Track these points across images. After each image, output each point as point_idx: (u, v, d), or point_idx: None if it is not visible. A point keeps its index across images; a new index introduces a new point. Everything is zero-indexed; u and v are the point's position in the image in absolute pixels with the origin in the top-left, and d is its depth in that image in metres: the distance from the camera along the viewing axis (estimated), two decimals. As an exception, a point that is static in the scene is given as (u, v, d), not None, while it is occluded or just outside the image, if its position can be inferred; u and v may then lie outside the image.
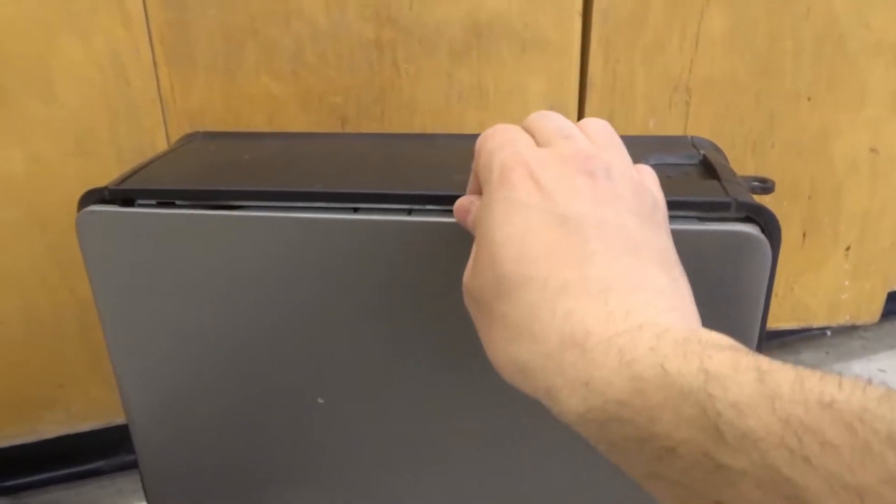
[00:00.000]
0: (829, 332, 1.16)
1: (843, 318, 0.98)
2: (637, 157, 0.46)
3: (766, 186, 0.42)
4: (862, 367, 1.12)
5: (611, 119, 0.81)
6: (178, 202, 0.43)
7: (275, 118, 0.73)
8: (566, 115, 0.86)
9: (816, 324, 0.98)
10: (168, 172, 0.46)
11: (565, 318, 0.21)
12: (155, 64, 0.69)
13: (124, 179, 0.45)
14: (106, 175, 0.48)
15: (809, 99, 0.84)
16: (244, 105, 0.72)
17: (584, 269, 0.21)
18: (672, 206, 0.39)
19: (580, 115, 0.80)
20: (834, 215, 0.91)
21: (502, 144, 0.28)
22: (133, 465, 0.90)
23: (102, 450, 0.90)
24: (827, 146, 0.87)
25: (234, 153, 0.50)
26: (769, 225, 0.38)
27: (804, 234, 0.92)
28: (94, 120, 0.68)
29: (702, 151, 0.46)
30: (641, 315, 0.20)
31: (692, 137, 0.49)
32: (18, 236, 0.70)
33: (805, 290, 0.95)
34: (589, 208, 0.23)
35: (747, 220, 0.39)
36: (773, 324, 0.97)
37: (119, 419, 0.81)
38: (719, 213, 0.39)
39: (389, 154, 0.50)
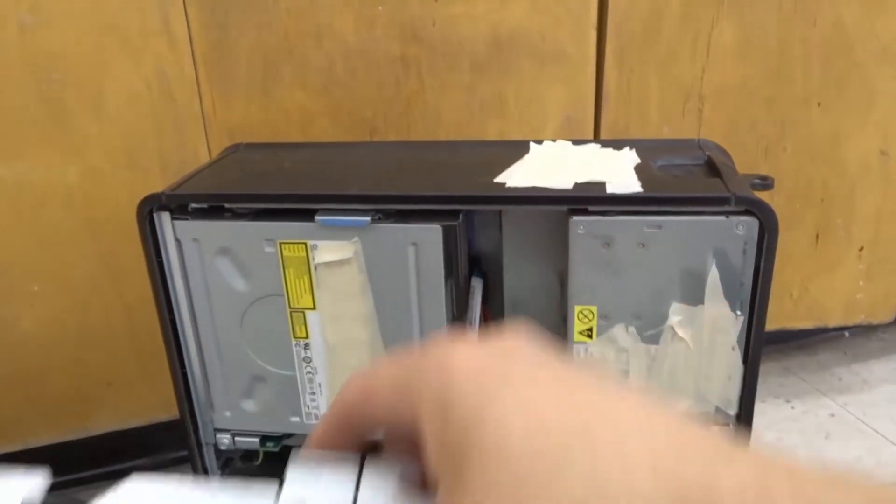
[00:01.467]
0: (847, 333, 1.18)
1: (858, 318, 1.00)
2: (647, 160, 0.50)
3: (766, 183, 0.45)
4: (881, 367, 1.14)
5: (626, 127, 0.85)
6: (226, 206, 0.48)
7: (308, 132, 0.78)
8: (583, 124, 0.90)
9: (833, 323, 1.01)
10: (217, 179, 0.51)
11: None
12: (198, 82, 0.74)
13: (178, 186, 0.49)
14: (152, 186, 0.52)
15: (819, 104, 0.87)
16: (280, 120, 0.77)
17: None
18: (678, 202, 0.43)
19: (597, 124, 0.84)
20: (847, 217, 0.93)
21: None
22: (174, 462, 0.95)
23: (146, 448, 0.95)
24: (838, 150, 0.90)
25: (276, 162, 0.54)
26: (767, 217, 0.42)
27: (818, 236, 0.94)
28: (142, 135, 0.73)
29: (707, 153, 0.49)
30: None
31: (699, 140, 0.53)
32: (74, 245, 0.75)
33: (820, 290, 0.97)
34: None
35: (747, 213, 0.42)
36: (790, 324, 0.99)
37: (163, 416, 0.86)
38: (721, 208, 0.42)
39: (418, 159, 0.55)
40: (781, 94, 0.86)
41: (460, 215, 0.47)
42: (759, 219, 0.42)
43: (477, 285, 0.56)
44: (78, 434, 0.83)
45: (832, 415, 1.02)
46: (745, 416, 0.48)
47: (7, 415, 0.80)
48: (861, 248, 0.95)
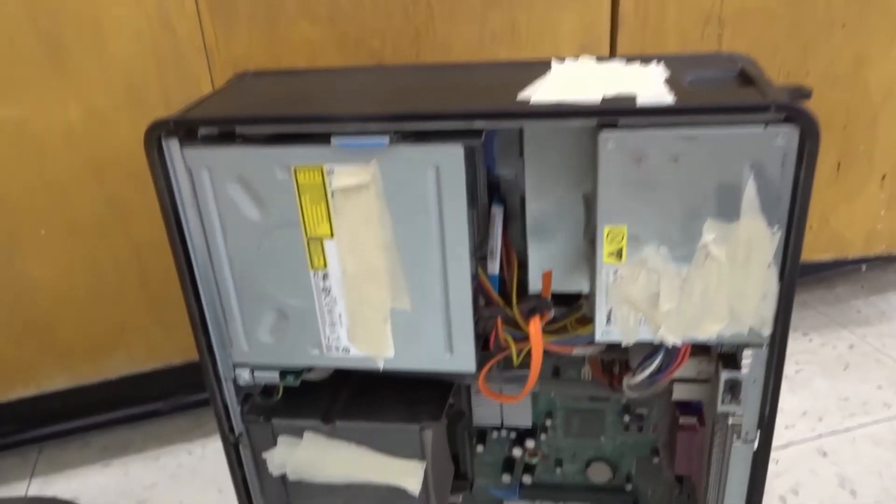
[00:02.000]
0: (864, 266, 1.17)
1: (879, 248, 0.99)
2: (676, 74, 0.48)
3: (803, 93, 0.43)
4: (898, 299, 1.13)
5: (642, 53, 0.82)
6: (237, 131, 0.46)
7: (314, 63, 0.75)
8: (598, 52, 0.87)
9: (852, 255, 0.99)
10: (226, 105, 0.49)
11: None
12: (199, 14, 0.71)
13: (185, 112, 0.47)
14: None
15: (844, 26, 0.83)
16: (285, 52, 0.74)
17: None
18: (714, 111, 0.41)
19: (612, 52, 0.81)
20: (869, 144, 0.91)
21: None
22: (189, 406, 0.95)
23: (161, 392, 0.95)
24: (862, 74, 0.87)
25: (286, 87, 0.52)
26: (808, 126, 0.40)
27: (839, 165, 0.92)
28: (144, 71, 0.71)
29: (739, 64, 0.47)
30: None
31: (729, 53, 0.50)
32: (79, 187, 0.74)
33: (840, 221, 0.95)
34: None
35: (787, 121, 0.40)
36: (809, 256, 0.98)
37: (176, 360, 0.85)
38: (760, 116, 0.40)
39: (434, 80, 0.52)
40: (803, 17, 0.82)
41: (483, 134, 0.45)
42: (799, 127, 0.40)
43: (497, 213, 0.54)
44: (92, 378, 0.82)
45: (851, 346, 1.01)
46: (779, 337, 0.47)
47: (21, 360, 0.79)
48: (883, 177, 0.93)
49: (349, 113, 0.44)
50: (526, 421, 0.66)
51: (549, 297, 0.51)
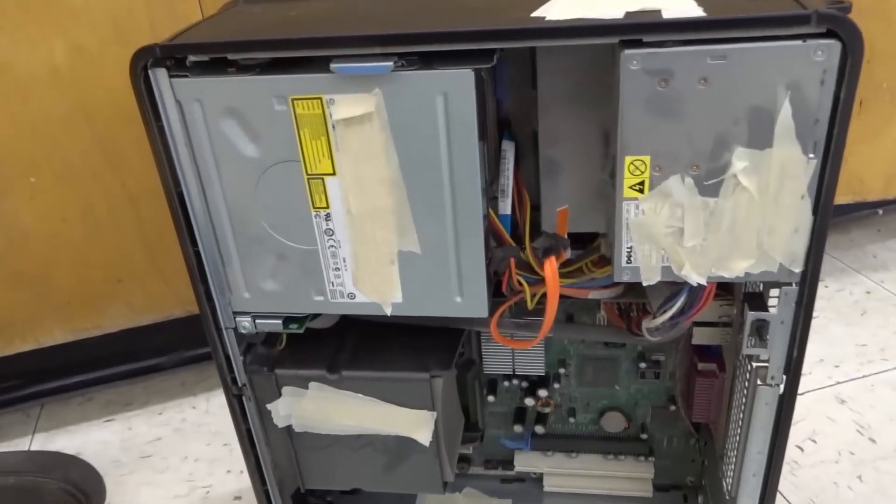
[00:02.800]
0: (880, 211, 1.14)
1: (899, 191, 0.95)
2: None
3: (842, 6, 0.39)
4: (916, 244, 1.10)
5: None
6: (230, 58, 0.42)
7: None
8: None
9: (871, 197, 0.96)
10: (217, 31, 0.45)
11: None
12: (187, -56, 0.67)
13: (173, 39, 0.44)
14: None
15: (871, -48, 0.79)
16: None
17: None
18: (749, 24, 0.37)
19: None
20: (893, 80, 0.87)
21: None
22: (193, 360, 0.94)
23: (163, 346, 0.93)
24: (887, 5, 0.82)
25: (281, 12, 0.48)
26: (852, 39, 0.36)
27: (860, 102, 0.88)
28: (130, 4, 0.67)
29: (772, -21, 0.43)
30: None
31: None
32: (70, 131, 0.70)
33: (860, 161, 0.92)
34: None
35: (828, 35, 0.37)
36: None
37: (178, 312, 0.83)
38: (799, 29, 0.37)
39: (440, 1, 0.49)
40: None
41: (494, 56, 0.42)
42: (842, 41, 0.37)
43: (508, 148, 0.51)
44: (91, 332, 0.80)
45: (868, 292, 0.99)
46: (811, 275, 0.44)
47: (18, 313, 0.77)
48: (907, 115, 0.89)
49: (349, 34, 0.41)
50: (538, 369, 0.63)
51: (566, 235, 0.48)
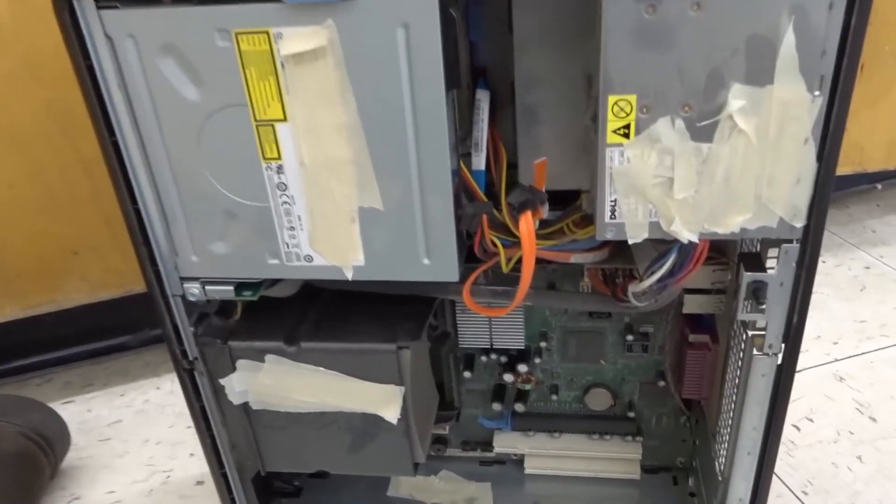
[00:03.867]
0: (879, 186, 1.10)
1: (900, 161, 0.91)
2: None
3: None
4: (915, 219, 1.06)
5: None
6: (165, -15, 0.38)
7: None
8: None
9: (871, 168, 0.92)
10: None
11: None
12: None
13: (103, -33, 0.39)
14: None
15: None
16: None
17: None
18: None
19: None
20: (896, 43, 0.82)
21: None
22: (159, 340, 0.89)
23: (126, 325, 0.88)
24: (891, -37, 0.78)
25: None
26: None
27: (862, 67, 0.83)
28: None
29: None
30: None
31: None
32: (16, 91, 0.65)
33: (860, 129, 0.88)
34: None
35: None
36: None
37: (138, 288, 0.78)
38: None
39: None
40: None
41: (462, -18, 0.37)
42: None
43: (483, 98, 0.47)
44: (46, 308, 0.75)
45: (867, 267, 0.95)
46: (813, 231, 0.40)
47: (-36, 288, 0.72)
48: (910, 79, 0.85)
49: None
50: (518, 342, 0.59)
51: (543, 190, 0.44)
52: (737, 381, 0.48)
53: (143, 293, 0.78)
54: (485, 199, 0.46)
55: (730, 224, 0.40)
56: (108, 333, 0.88)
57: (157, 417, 0.78)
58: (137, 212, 0.45)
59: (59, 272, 0.74)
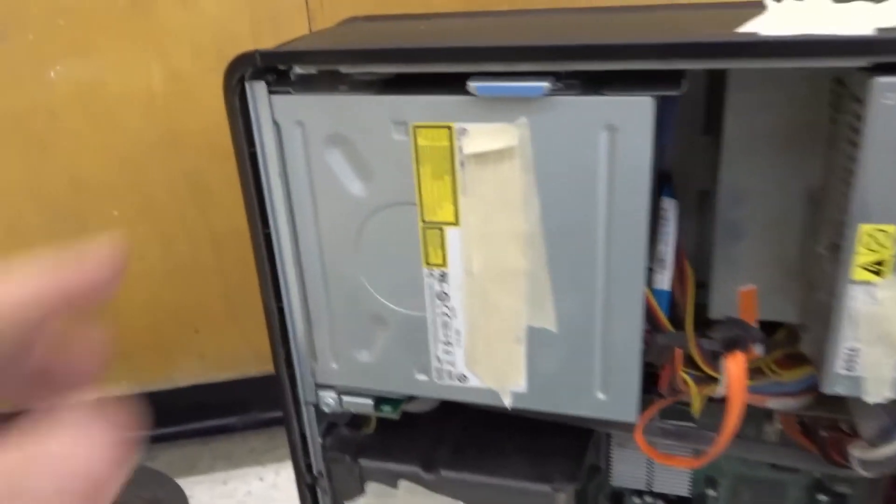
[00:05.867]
0: None
1: None
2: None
3: None
4: None
5: None
6: (342, 70, 0.34)
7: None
8: None
9: None
10: (330, 41, 0.37)
11: None
12: (303, -32, 0.61)
13: (279, 47, 0.36)
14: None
15: None
16: (397, 11, 0.63)
17: None
18: None
19: None
20: None
21: None
22: (265, 424, 0.85)
23: (235, 405, 0.85)
24: None
25: (406, 27, 0.40)
26: None
27: None
28: (236, 30, 0.61)
29: None
30: None
31: None
32: (157, 162, 0.64)
33: None
34: None
35: None
36: None
37: (253, 371, 0.75)
38: None
39: (603, 21, 0.39)
40: None
41: (682, 81, 0.32)
42: None
43: (670, 208, 0.40)
44: (161, 384, 0.73)
45: None
46: None
47: (83, 357, 0.70)
48: None
49: (496, 44, 0.32)
50: (681, 487, 0.50)
51: (754, 324, 0.37)
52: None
53: (258, 377, 0.74)
54: (669, 325, 0.39)
55: None
56: (215, 412, 0.84)
57: (258, 512, 0.73)
58: (280, 310, 0.40)
59: (179, 349, 0.72)
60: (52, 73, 0.63)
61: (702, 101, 0.42)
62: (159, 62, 0.61)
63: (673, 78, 0.32)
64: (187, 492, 0.76)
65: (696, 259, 0.43)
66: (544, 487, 0.41)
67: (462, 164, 0.34)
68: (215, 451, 0.82)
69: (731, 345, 0.35)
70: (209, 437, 0.84)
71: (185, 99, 0.63)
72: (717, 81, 0.38)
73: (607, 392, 0.37)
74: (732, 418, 0.35)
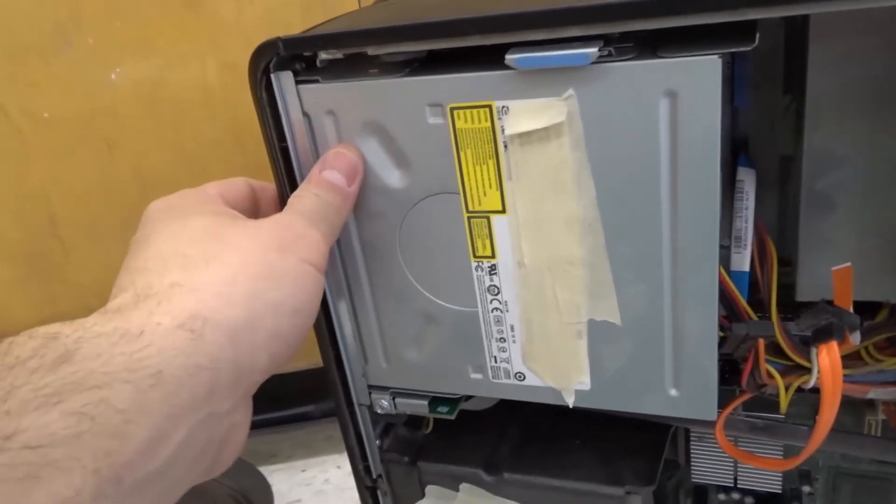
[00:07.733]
0: None
1: None
2: None
3: None
4: None
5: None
6: (370, 52, 0.32)
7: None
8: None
9: None
10: (358, 21, 0.35)
11: None
12: (354, -46, 0.59)
13: (305, 32, 0.34)
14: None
15: None
16: None
17: None
18: None
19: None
20: None
21: None
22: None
23: (312, 393, 0.85)
24: None
25: (438, 1, 0.37)
26: None
27: None
28: (287, 16, 0.60)
29: None
30: None
31: None
32: (220, 157, 0.64)
33: None
34: None
35: None
36: None
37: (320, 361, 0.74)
38: None
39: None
40: None
41: (754, 33, 0.27)
42: None
43: (748, 179, 0.36)
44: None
45: None
46: None
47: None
48: None
49: (536, 9, 0.28)
50: (773, 483, 0.46)
51: (851, 309, 0.32)
52: None
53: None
54: (750, 311, 0.35)
55: None
56: (292, 401, 0.85)
57: (337, 501, 0.73)
58: (327, 311, 0.39)
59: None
60: (113, 75, 0.63)
61: (780, 55, 0.37)
62: (213, 56, 0.60)
63: (744, 31, 0.28)
64: (268, 480, 0.77)
65: (780, 235, 0.38)
66: (616, 490, 0.38)
67: (505, 145, 0.31)
68: (294, 440, 0.83)
69: (823, 335, 0.31)
70: (287, 425, 0.85)
71: (242, 90, 0.62)
72: (796, 31, 0.34)
73: (680, 388, 0.34)
74: (827, 415, 0.31)
